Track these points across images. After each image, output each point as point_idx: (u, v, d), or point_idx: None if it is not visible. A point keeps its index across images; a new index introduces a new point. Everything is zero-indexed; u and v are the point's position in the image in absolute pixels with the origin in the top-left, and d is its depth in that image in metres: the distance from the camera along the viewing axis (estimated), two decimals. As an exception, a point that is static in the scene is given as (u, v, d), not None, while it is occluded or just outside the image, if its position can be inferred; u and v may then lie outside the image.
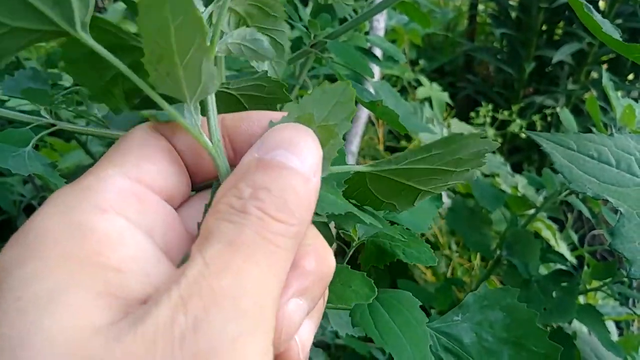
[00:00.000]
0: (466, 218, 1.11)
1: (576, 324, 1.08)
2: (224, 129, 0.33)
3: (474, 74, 2.77)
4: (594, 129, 0.79)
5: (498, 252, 1.03)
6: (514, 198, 1.17)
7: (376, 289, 0.44)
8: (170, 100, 0.28)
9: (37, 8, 0.24)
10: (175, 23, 0.22)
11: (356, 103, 0.46)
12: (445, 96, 2.03)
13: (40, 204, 0.95)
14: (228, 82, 0.39)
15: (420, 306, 0.48)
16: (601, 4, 2.20)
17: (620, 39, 0.45)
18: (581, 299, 1.35)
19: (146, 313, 0.22)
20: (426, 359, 0.44)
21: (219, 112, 0.32)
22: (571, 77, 2.41)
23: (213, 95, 0.30)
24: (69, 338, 0.21)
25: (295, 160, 0.27)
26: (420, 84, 2.06)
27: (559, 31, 2.51)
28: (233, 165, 0.33)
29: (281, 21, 0.42)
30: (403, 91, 2.07)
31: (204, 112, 0.30)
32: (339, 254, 0.76)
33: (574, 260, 1.47)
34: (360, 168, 0.34)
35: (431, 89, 2.02)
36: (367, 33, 0.91)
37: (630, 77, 2.35)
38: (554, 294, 0.87)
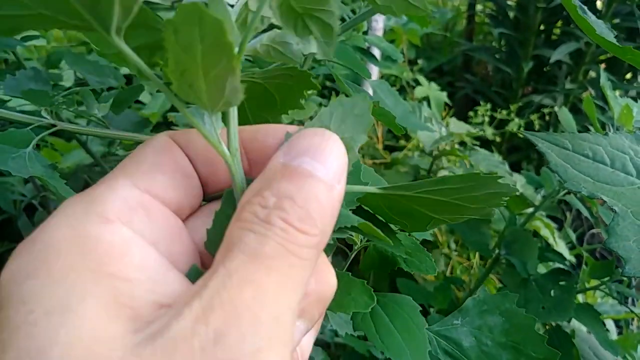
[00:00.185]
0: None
1: (575, 323, 1.09)
2: (240, 141, 0.32)
3: (472, 73, 2.78)
4: (591, 128, 0.80)
5: (497, 251, 1.03)
6: (512, 197, 1.17)
7: (375, 297, 0.44)
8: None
9: (72, 4, 0.23)
10: (203, 45, 0.22)
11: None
12: (443, 96, 2.03)
13: (41, 204, 0.95)
14: (254, 72, 0.39)
15: (419, 305, 0.48)
16: (598, 4, 2.21)
17: (615, 40, 0.46)
18: (580, 298, 1.35)
19: (166, 324, 0.22)
20: None
21: (249, 100, 0.31)
22: (569, 76, 2.42)
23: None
24: (86, 350, 0.21)
25: (321, 169, 0.27)
26: (418, 83, 2.07)
27: (557, 31, 2.52)
28: (248, 176, 0.34)
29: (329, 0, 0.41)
30: (402, 91, 2.07)
31: (224, 120, 0.30)
32: (339, 254, 0.77)
33: (572, 259, 1.48)
34: (374, 190, 0.34)
35: (429, 89, 2.02)
36: (365, 33, 0.92)
37: (628, 76, 2.36)
38: (552, 292, 0.87)
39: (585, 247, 1.84)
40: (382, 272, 0.51)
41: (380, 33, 1.26)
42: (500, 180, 0.31)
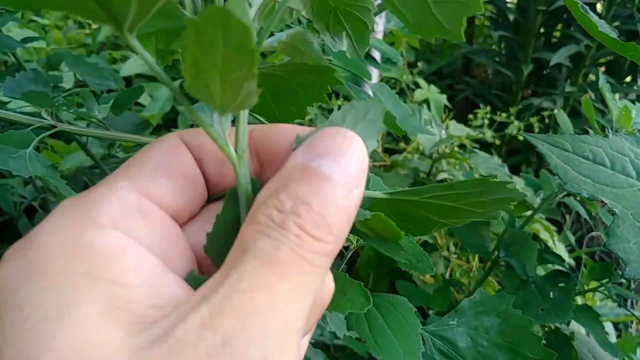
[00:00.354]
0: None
1: (574, 325, 1.09)
2: (251, 141, 0.32)
3: (472, 76, 2.78)
4: (590, 131, 0.80)
5: (496, 253, 1.03)
6: (512, 199, 1.17)
7: (371, 299, 0.44)
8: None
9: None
10: (226, 50, 0.22)
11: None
12: (443, 98, 2.03)
13: (41, 206, 0.95)
14: (278, 64, 0.39)
15: (419, 307, 0.48)
16: (598, 7, 2.21)
17: (617, 38, 0.46)
18: (579, 300, 1.35)
19: (171, 328, 0.22)
20: None
21: (271, 91, 0.31)
22: (569, 79, 2.42)
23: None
24: (85, 355, 0.21)
25: (340, 172, 0.26)
26: (418, 86, 2.07)
27: (557, 34, 2.52)
28: (258, 177, 0.33)
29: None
30: (401, 93, 2.07)
31: (234, 120, 0.29)
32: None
33: (571, 262, 1.47)
34: (380, 195, 0.34)
35: (429, 91, 2.02)
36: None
37: (628, 79, 2.36)
38: (551, 294, 0.87)
39: (585, 249, 1.84)
40: (379, 271, 0.51)
41: (380, 36, 1.26)
42: (509, 186, 0.31)
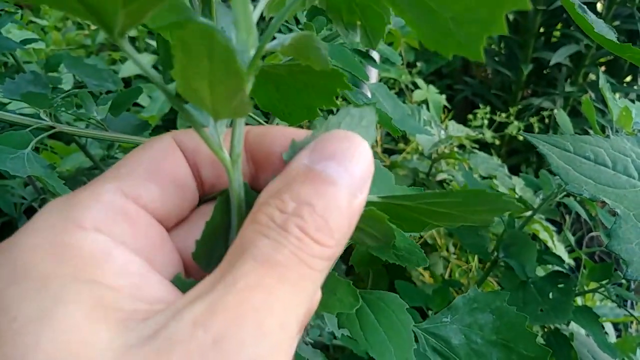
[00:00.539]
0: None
1: (573, 326, 1.09)
2: (246, 143, 0.32)
3: (471, 76, 2.78)
4: (590, 131, 0.80)
5: (495, 254, 1.03)
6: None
7: (360, 298, 0.44)
8: None
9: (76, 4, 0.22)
10: (212, 65, 0.22)
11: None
12: (442, 99, 2.03)
13: (41, 207, 0.95)
14: (285, 64, 0.38)
15: (418, 307, 0.48)
16: (598, 6, 2.21)
17: (615, 39, 0.46)
18: (579, 301, 1.35)
19: (163, 326, 0.22)
20: None
21: (279, 92, 0.30)
22: (569, 79, 2.42)
23: None
24: (71, 355, 0.21)
25: (345, 176, 0.26)
26: (417, 86, 2.07)
27: (557, 33, 2.52)
28: (252, 181, 0.33)
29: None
30: (400, 94, 2.07)
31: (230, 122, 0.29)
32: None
33: (571, 262, 1.47)
34: (374, 199, 0.33)
35: (428, 92, 2.02)
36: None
37: (628, 79, 2.36)
38: (551, 295, 0.87)
39: (584, 250, 1.84)
40: (377, 269, 0.51)
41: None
42: (505, 198, 0.31)
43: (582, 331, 1.05)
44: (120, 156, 1.06)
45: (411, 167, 1.50)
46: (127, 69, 1.62)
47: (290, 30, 0.69)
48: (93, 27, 1.88)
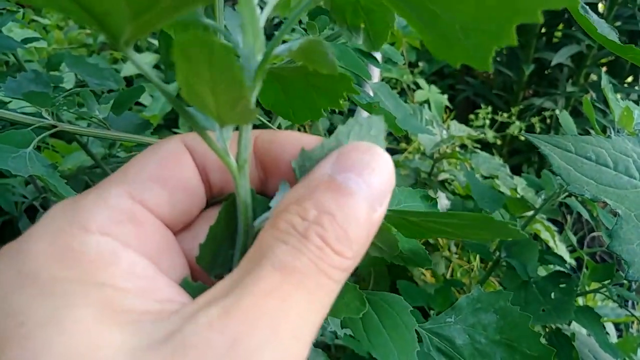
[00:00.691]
0: (465, 220, 1.10)
1: (575, 325, 1.08)
2: (255, 148, 0.32)
3: (473, 76, 2.78)
4: (592, 131, 0.79)
5: (497, 253, 1.03)
6: (513, 200, 1.17)
7: (367, 303, 0.44)
8: None
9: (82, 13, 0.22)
10: (212, 73, 0.21)
11: (354, 105, 0.45)
12: (443, 99, 2.03)
13: (42, 206, 0.95)
14: (291, 66, 0.38)
15: (420, 307, 0.48)
16: (600, 7, 2.21)
17: (617, 40, 0.46)
18: (580, 301, 1.35)
19: (176, 329, 0.22)
20: None
21: (286, 92, 0.30)
22: (570, 79, 2.42)
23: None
24: (83, 359, 0.21)
25: (365, 189, 0.26)
26: (419, 86, 2.06)
27: (558, 33, 2.52)
28: (262, 185, 0.33)
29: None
30: (402, 93, 2.07)
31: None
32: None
33: (573, 262, 1.47)
34: None
35: (429, 92, 2.02)
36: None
37: (629, 79, 2.36)
38: (552, 295, 0.87)
39: (586, 250, 1.84)
40: (380, 269, 0.51)
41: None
42: (510, 226, 0.31)
43: (584, 331, 1.05)
44: (122, 155, 1.06)
45: (413, 167, 1.50)
46: (129, 68, 1.62)
47: (293, 30, 0.68)
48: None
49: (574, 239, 1.49)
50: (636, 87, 2.33)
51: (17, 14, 0.90)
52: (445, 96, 2.06)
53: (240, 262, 0.25)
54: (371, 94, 0.70)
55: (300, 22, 0.68)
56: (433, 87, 2.05)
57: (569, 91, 2.32)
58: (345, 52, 0.60)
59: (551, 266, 1.17)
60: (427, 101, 2.01)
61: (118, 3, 0.20)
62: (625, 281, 0.97)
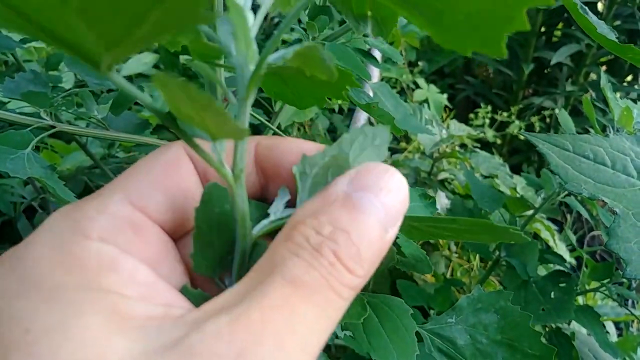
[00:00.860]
0: (465, 219, 1.10)
1: (575, 325, 1.08)
2: (256, 155, 0.32)
3: (473, 75, 2.78)
4: (591, 130, 0.79)
5: (497, 253, 1.03)
6: (512, 199, 1.17)
7: (368, 308, 0.44)
8: None
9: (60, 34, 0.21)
10: (194, 105, 0.21)
11: (354, 104, 0.45)
12: (442, 98, 2.03)
13: (40, 206, 0.95)
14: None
15: (420, 307, 0.47)
16: (599, 6, 2.21)
17: (616, 40, 0.46)
18: (580, 300, 1.35)
19: (182, 336, 0.22)
20: None
21: (287, 83, 0.30)
22: (570, 78, 2.42)
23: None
24: None
25: (381, 209, 0.26)
26: (418, 86, 2.06)
27: (558, 33, 2.52)
28: (259, 194, 0.33)
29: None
30: (402, 93, 2.07)
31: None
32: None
33: (572, 261, 1.47)
34: None
35: (429, 91, 2.02)
36: (366, 35, 0.91)
37: (629, 78, 2.36)
38: (552, 294, 0.87)
39: (586, 249, 1.84)
40: (380, 270, 0.51)
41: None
42: (511, 230, 0.31)
43: (583, 330, 1.05)
44: (121, 155, 1.06)
45: (413, 166, 1.50)
46: (128, 68, 1.62)
47: (293, 30, 0.68)
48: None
49: (573, 238, 1.49)
50: (635, 86, 2.32)
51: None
52: (445, 95, 2.06)
53: (250, 271, 0.25)
54: (371, 94, 0.70)
55: (299, 21, 0.68)
56: (432, 86, 2.05)
57: (569, 90, 2.32)
58: (345, 52, 0.60)
59: (551, 265, 1.17)
60: (426, 100, 2.01)
61: (89, 36, 0.20)
62: (625, 280, 0.97)
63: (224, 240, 0.30)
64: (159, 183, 0.29)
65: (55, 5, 0.18)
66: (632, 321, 1.48)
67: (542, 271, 1.11)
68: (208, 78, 0.25)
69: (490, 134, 1.99)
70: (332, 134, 1.87)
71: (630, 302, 1.36)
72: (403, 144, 1.80)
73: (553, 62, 2.17)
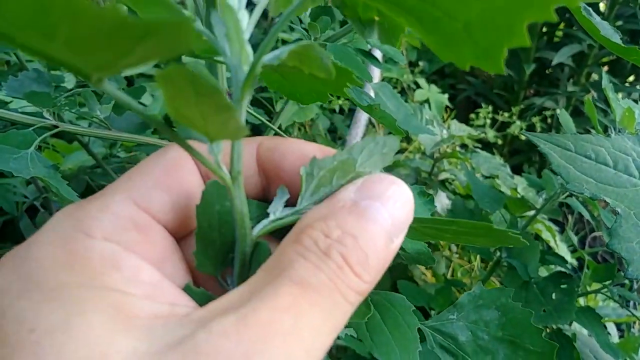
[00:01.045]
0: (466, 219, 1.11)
1: (576, 326, 1.08)
2: (258, 156, 0.33)
3: (474, 75, 2.77)
4: (592, 131, 0.79)
5: (498, 253, 1.03)
6: (513, 200, 1.17)
7: (372, 307, 0.44)
8: None
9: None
10: (199, 99, 0.21)
11: (355, 105, 0.45)
12: (444, 98, 2.03)
13: (42, 205, 0.95)
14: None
15: (420, 307, 0.47)
16: (601, 6, 2.21)
17: (620, 41, 0.46)
18: (581, 301, 1.35)
19: (188, 335, 0.22)
20: None
21: (289, 79, 0.30)
22: (571, 78, 2.42)
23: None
24: None
25: (387, 219, 0.27)
26: (419, 86, 2.06)
27: (559, 33, 2.51)
28: (261, 195, 0.33)
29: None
30: (402, 93, 2.07)
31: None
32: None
33: (574, 262, 1.47)
34: None
35: (429, 91, 2.01)
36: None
37: (631, 78, 2.36)
38: (553, 295, 0.87)
39: (587, 250, 1.84)
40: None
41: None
42: (510, 234, 0.31)
43: (585, 331, 1.05)
44: (123, 155, 1.06)
45: (413, 167, 1.50)
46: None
47: (293, 30, 0.68)
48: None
49: (575, 239, 1.49)
50: (637, 87, 2.32)
51: None
52: (446, 95, 2.06)
53: (257, 272, 0.25)
54: (372, 94, 0.70)
55: (300, 21, 0.68)
56: (433, 86, 2.05)
57: (570, 91, 2.32)
58: (346, 53, 0.60)
59: (552, 266, 1.17)
60: (427, 101, 2.01)
61: (77, 62, 0.20)
62: (626, 281, 0.97)
63: (226, 237, 0.30)
64: (161, 183, 0.29)
65: (42, 40, 0.18)
66: (634, 322, 1.47)
67: (543, 272, 1.11)
68: (205, 77, 0.25)
69: (491, 135, 1.99)
70: (333, 134, 1.87)
71: (631, 303, 1.36)
72: (404, 144, 1.80)
73: (554, 62, 2.17)
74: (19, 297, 0.22)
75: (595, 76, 2.39)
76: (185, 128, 0.26)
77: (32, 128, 0.55)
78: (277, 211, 0.31)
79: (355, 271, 0.25)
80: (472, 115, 2.07)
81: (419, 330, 0.46)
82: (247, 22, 0.28)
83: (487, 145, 2.09)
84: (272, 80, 0.41)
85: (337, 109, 1.85)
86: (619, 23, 2.20)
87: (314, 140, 1.74)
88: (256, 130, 1.38)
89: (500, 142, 2.14)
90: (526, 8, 0.21)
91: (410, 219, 0.28)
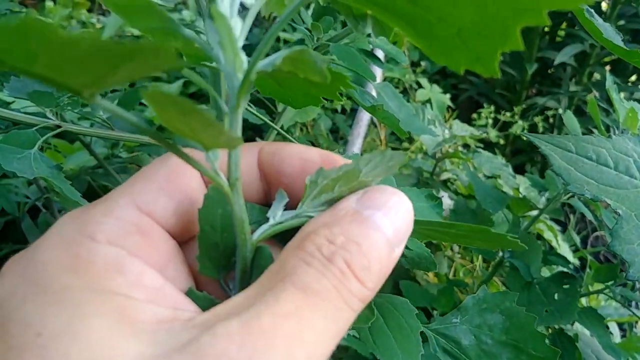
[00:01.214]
0: (468, 220, 1.11)
1: (578, 326, 1.08)
2: (259, 161, 0.33)
3: (476, 75, 2.77)
4: (595, 131, 0.79)
5: (500, 254, 1.03)
6: (516, 200, 1.17)
7: (375, 311, 0.44)
8: None
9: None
10: (187, 118, 0.21)
11: (357, 104, 0.45)
12: (445, 98, 2.03)
13: (44, 206, 0.95)
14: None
15: (423, 308, 0.47)
16: (603, 6, 2.20)
17: (622, 43, 0.46)
18: (583, 301, 1.35)
19: (192, 339, 0.22)
20: None
21: (282, 83, 0.30)
22: (574, 78, 2.41)
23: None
24: None
25: (389, 228, 0.27)
26: (421, 86, 2.06)
27: (562, 32, 2.51)
28: (264, 198, 0.33)
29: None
30: (404, 93, 2.07)
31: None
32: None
33: (576, 262, 1.47)
34: None
35: (431, 91, 2.01)
36: (369, 35, 0.91)
37: (633, 78, 2.35)
38: (556, 296, 0.87)
39: (589, 250, 1.83)
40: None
41: (383, 35, 1.25)
42: (508, 237, 0.31)
43: (587, 331, 1.05)
44: (125, 155, 1.06)
45: (415, 167, 1.50)
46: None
47: (295, 30, 0.68)
48: (98, 25, 1.88)
49: (577, 239, 1.49)
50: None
51: (21, 14, 0.90)
52: (448, 95, 2.06)
53: (261, 277, 0.26)
54: (374, 94, 0.70)
55: (303, 22, 0.68)
56: (435, 86, 2.05)
57: (572, 90, 2.32)
58: (349, 53, 0.60)
59: (554, 266, 1.17)
60: (429, 101, 2.00)
61: (63, 81, 0.20)
62: (628, 281, 0.97)
63: (228, 241, 0.31)
64: (164, 188, 0.29)
65: (27, 64, 0.18)
66: (636, 322, 1.47)
67: (545, 272, 1.11)
68: (199, 85, 0.25)
69: (493, 134, 1.98)
70: (335, 134, 1.87)
71: (634, 303, 1.36)
72: (405, 144, 1.79)
73: (557, 62, 2.17)
74: (25, 300, 0.23)
75: (597, 76, 2.39)
76: (181, 138, 0.26)
77: (34, 128, 0.56)
78: (276, 215, 0.31)
79: (358, 277, 0.25)
80: (474, 115, 2.07)
81: (422, 333, 0.46)
82: (240, 29, 0.28)
83: (489, 145, 2.08)
84: (264, 85, 0.41)
85: (339, 109, 1.85)
86: (621, 22, 2.20)
87: (316, 140, 1.74)
88: (258, 130, 1.38)
89: (502, 142, 2.13)
90: (519, 13, 0.21)
91: (410, 229, 0.29)
